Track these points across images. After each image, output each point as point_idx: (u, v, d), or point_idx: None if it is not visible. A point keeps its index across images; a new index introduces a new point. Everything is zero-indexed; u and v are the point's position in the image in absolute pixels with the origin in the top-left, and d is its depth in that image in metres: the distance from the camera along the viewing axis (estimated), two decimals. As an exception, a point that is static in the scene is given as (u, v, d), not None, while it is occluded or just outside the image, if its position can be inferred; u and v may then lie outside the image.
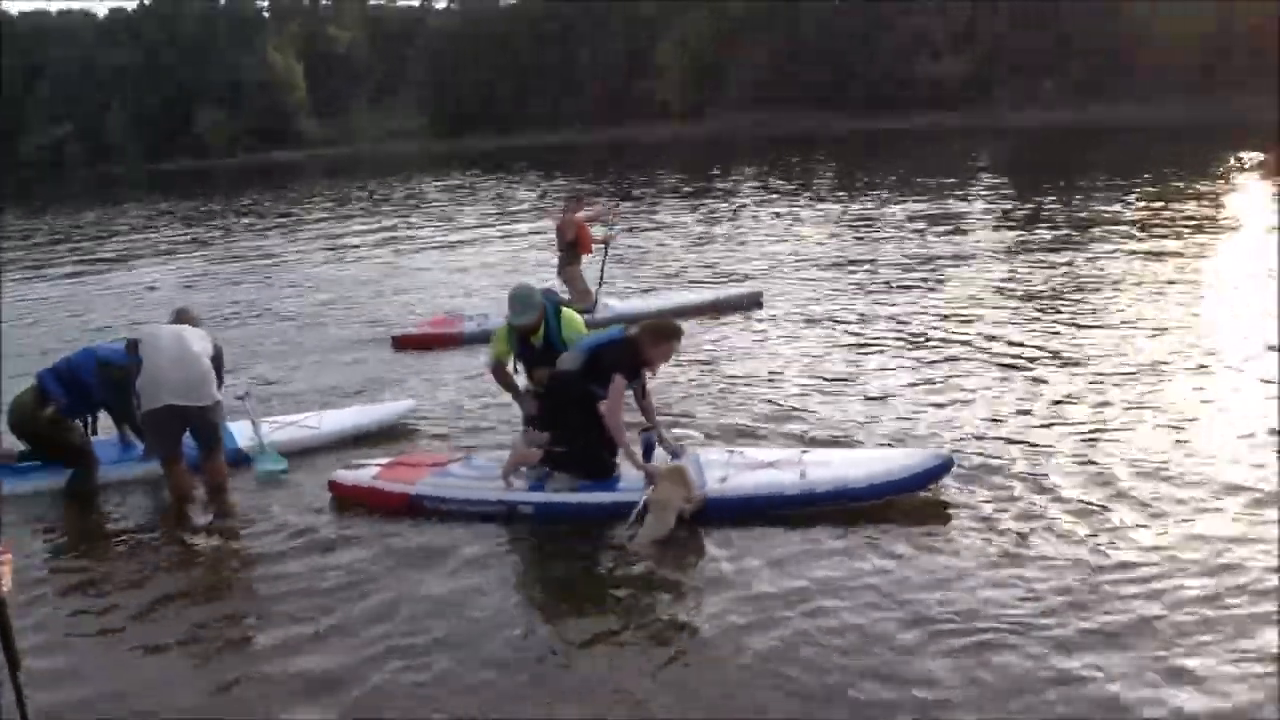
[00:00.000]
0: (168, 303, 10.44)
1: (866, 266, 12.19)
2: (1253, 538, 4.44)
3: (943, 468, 5.03)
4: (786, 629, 3.94)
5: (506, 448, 5.81)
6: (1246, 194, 17.96)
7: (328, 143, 76.44)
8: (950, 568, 4.35)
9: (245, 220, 26.10)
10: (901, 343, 8.34)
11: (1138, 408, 6.25)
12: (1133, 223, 14.19)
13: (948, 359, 7.69)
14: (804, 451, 5.47)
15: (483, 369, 6.69)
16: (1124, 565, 4.27)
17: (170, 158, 74.33)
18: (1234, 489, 4.94)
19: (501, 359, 5.82)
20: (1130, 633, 3.77)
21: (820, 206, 19.42)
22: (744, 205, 20.47)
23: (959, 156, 29.84)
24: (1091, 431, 5.88)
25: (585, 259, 9.99)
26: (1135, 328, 8.29)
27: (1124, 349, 7.63)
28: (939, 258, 12.47)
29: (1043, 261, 11.65)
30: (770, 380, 7.51)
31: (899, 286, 10.76)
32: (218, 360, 5.95)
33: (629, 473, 5.23)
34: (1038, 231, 14.07)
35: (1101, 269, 10.95)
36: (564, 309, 5.74)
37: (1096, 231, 13.60)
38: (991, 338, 8.25)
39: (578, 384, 5.24)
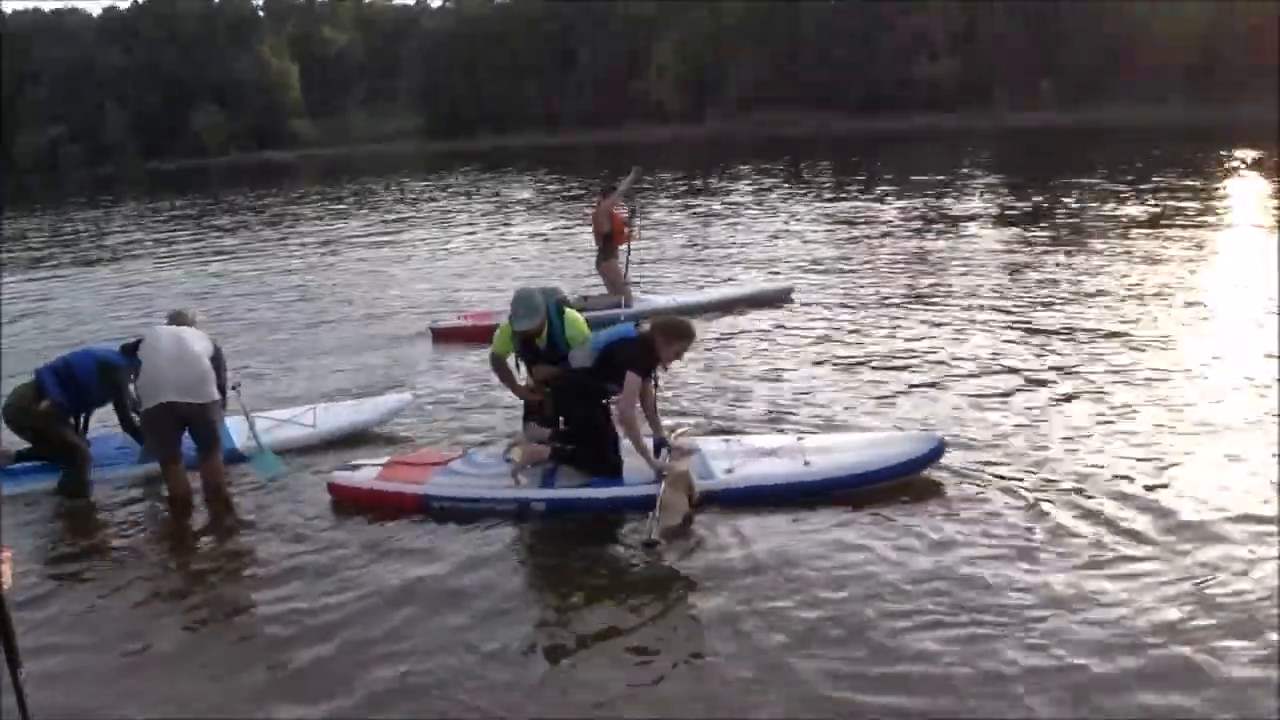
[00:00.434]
0: (165, 303, 10.41)
1: (867, 266, 12.20)
2: (1255, 531, 4.46)
3: (937, 451, 5.22)
4: (798, 626, 3.94)
5: (503, 443, 5.83)
6: (1246, 194, 17.96)
7: (321, 143, 76.36)
8: (955, 556, 4.40)
9: (241, 219, 26.05)
10: (902, 340, 8.37)
11: (1137, 403, 6.28)
12: (1132, 222, 14.18)
13: (947, 355, 7.74)
14: (799, 439, 5.60)
15: (481, 360, 6.75)
16: (1123, 558, 4.28)
17: (166, 157, 74.20)
18: (1233, 484, 4.96)
19: (502, 355, 5.81)
20: (1129, 625, 3.77)
21: (820, 207, 19.43)
22: (743, 204, 20.47)
23: (958, 157, 29.92)
24: (1090, 425, 5.93)
25: (621, 251, 10.02)
26: (1135, 325, 8.34)
27: (1123, 345, 7.68)
28: (940, 257, 12.46)
29: (1043, 260, 11.65)
30: (766, 372, 7.60)
31: (899, 285, 10.77)
32: (218, 360, 5.92)
33: (638, 466, 5.24)
34: (1038, 231, 14.07)
35: (1101, 268, 10.96)
36: (567, 310, 5.70)
37: (1095, 231, 13.61)
38: (992, 337, 8.27)
39: (590, 381, 5.27)
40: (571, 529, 5.05)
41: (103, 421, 6.53)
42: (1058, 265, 11.24)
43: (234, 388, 6.36)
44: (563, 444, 5.39)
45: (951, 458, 5.39)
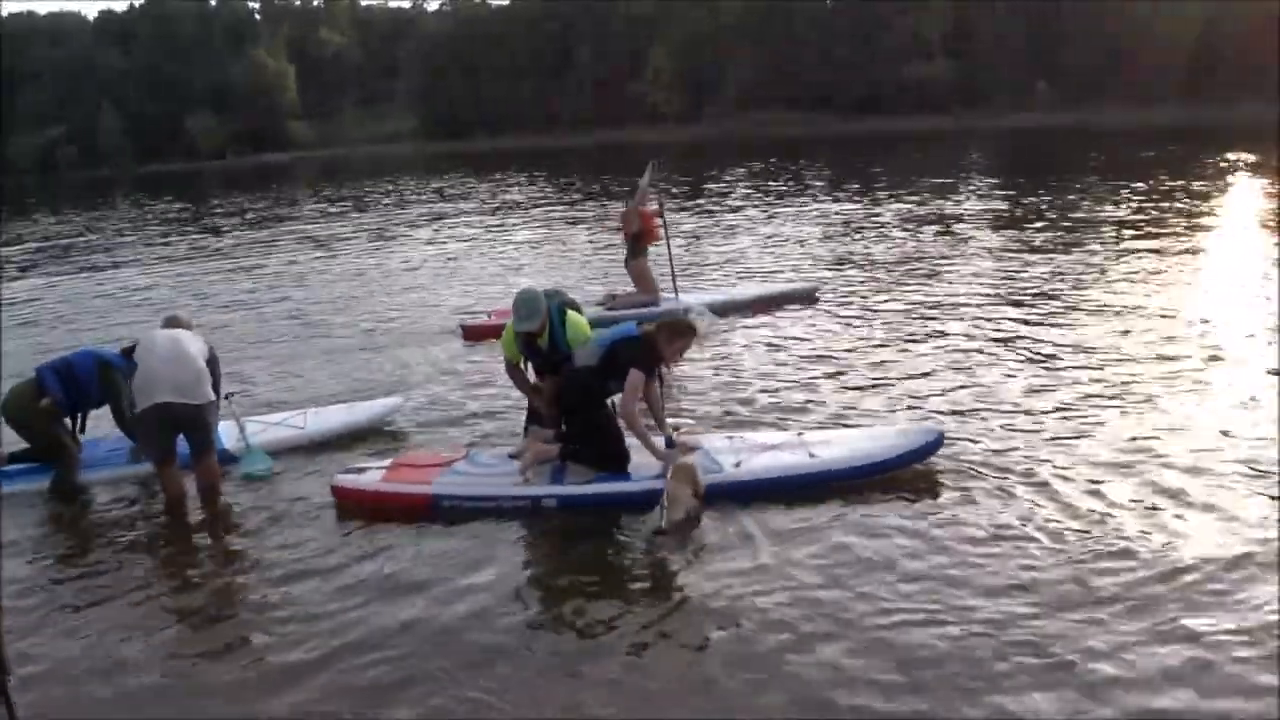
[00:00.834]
0: (164, 303, 10.36)
1: (866, 265, 12.22)
2: (1251, 523, 4.48)
3: (935, 443, 5.30)
4: (799, 626, 3.93)
5: (504, 444, 5.87)
6: (1246, 194, 17.96)
7: (317, 145, 76.31)
8: (955, 555, 4.42)
9: (236, 221, 26.01)
10: (901, 338, 8.39)
11: (1137, 402, 6.29)
12: (1131, 223, 14.18)
13: (947, 352, 7.79)
14: (800, 434, 5.67)
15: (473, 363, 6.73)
16: (1120, 552, 4.29)
17: (162, 159, 74.12)
18: (1231, 478, 4.99)
19: (514, 359, 5.88)
20: (1128, 624, 3.75)
21: (821, 207, 19.42)
22: (741, 206, 20.44)
23: (956, 157, 29.95)
24: (1089, 422, 5.95)
25: (652, 250, 10.05)
26: (1133, 322, 8.37)
27: (1121, 342, 7.73)
28: (939, 256, 12.45)
29: (1042, 260, 11.65)
30: (767, 371, 7.65)
31: (899, 285, 10.77)
32: (213, 364, 5.95)
33: (645, 461, 5.28)
34: (1038, 231, 14.05)
35: (1100, 267, 10.97)
36: (569, 311, 5.73)
37: (1095, 231, 13.59)
38: (991, 335, 8.28)
39: (594, 380, 5.33)
40: (573, 527, 5.05)
41: (98, 424, 6.51)
42: (1058, 265, 11.25)
43: (227, 398, 6.37)
44: (568, 443, 5.43)
45: (950, 450, 5.45)
